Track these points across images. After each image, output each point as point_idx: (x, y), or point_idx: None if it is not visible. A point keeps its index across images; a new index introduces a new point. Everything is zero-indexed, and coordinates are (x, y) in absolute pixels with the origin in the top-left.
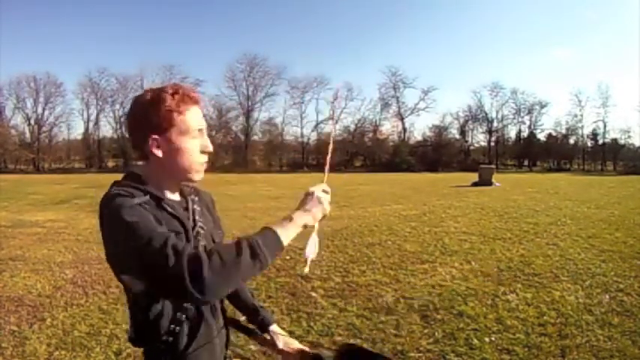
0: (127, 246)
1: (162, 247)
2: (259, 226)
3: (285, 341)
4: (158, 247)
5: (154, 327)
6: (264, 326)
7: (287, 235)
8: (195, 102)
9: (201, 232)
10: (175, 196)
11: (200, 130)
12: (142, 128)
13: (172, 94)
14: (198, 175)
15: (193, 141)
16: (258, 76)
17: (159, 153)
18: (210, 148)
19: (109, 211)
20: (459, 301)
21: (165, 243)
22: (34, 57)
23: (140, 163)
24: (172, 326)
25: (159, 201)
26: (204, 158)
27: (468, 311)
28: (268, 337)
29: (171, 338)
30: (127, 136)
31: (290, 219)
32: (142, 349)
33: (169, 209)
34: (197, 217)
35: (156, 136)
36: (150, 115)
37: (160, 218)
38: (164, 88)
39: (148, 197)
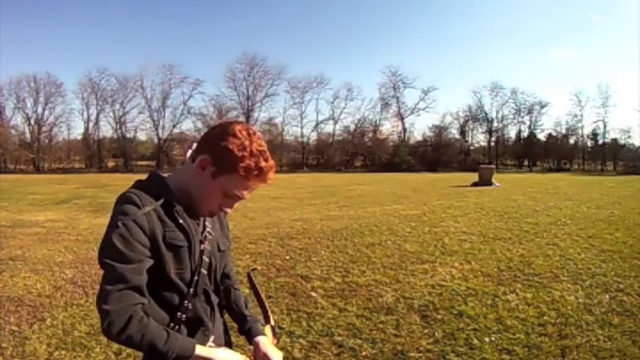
0: (101, 247)
1: (107, 284)
2: (259, 226)
3: (263, 353)
4: (107, 280)
5: None
6: (249, 337)
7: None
8: (263, 182)
9: (209, 237)
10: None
11: (239, 198)
12: (211, 149)
13: (257, 166)
14: (205, 214)
15: (226, 197)
16: (258, 76)
17: (199, 172)
18: (230, 212)
19: (116, 211)
20: (459, 301)
21: (111, 287)
22: (34, 57)
23: (186, 162)
24: (172, 325)
25: (171, 208)
26: (218, 211)
27: (468, 311)
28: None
29: None
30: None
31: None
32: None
33: (179, 219)
34: (207, 223)
35: (210, 161)
36: (226, 151)
37: (163, 229)
38: (257, 152)
39: (162, 201)
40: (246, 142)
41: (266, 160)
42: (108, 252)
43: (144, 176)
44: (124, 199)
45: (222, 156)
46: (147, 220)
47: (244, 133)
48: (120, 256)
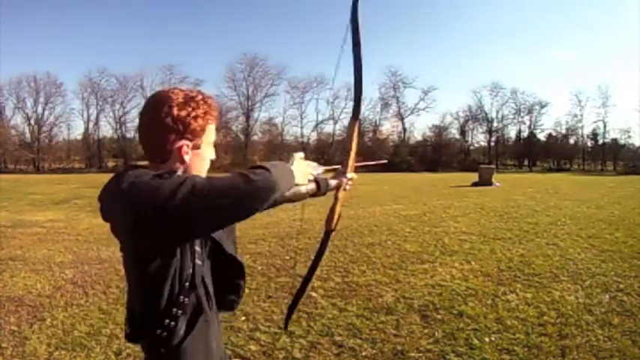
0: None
1: (209, 186)
2: (259, 226)
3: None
4: (202, 186)
5: (148, 322)
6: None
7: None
8: (217, 108)
9: None
10: None
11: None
12: (171, 130)
13: (204, 101)
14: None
15: (210, 149)
16: (258, 76)
17: (187, 159)
18: (214, 156)
19: (130, 182)
20: (459, 301)
21: (210, 183)
22: (34, 57)
23: (143, 163)
24: (167, 321)
25: None
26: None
27: (468, 311)
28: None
29: (165, 333)
30: (140, 132)
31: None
32: (142, 349)
33: None
34: None
35: (188, 143)
36: (184, 119)
37: None
38: (195, 93)
39: None
40: (184, 98)
41: (201, 92)
42: (162, 193)
43: None
44: (131, 174)
45: (187, 126)
46: None
47: (179, 95)
48: (177, 180)
